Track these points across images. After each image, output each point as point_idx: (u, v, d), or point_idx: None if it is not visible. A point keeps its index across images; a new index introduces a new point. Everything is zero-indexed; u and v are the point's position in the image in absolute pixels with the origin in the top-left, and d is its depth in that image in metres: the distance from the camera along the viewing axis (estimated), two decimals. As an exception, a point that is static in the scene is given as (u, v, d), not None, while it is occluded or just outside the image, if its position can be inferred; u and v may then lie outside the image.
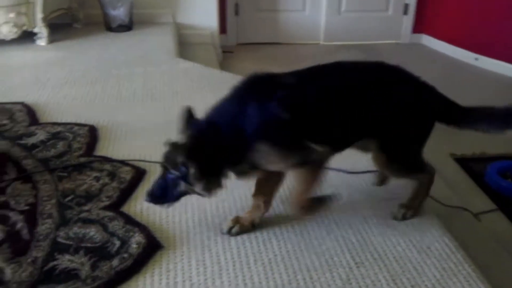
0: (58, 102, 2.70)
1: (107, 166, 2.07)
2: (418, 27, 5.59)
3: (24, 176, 1.98)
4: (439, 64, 4.97)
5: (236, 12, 5.21)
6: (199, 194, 1.58)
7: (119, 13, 3.97)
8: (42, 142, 2.25)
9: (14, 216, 1.75)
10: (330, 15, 5.39)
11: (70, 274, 1.51)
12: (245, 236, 1.73)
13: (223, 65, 4.14)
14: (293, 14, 5.41)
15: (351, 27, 5.44)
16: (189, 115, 1.58)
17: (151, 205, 1.82)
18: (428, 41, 5.50)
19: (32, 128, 2.38)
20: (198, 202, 1.89)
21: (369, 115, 1.63)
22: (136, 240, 1.66)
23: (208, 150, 1.52)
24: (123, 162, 2.10)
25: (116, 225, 1.73)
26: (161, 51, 3.61)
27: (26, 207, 1.80)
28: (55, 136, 2.29)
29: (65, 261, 1.56)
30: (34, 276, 1.50)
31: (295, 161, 1.58)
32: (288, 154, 1.57)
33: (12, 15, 3.41)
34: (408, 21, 5.60)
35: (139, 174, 2.04)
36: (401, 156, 1.74)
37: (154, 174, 2.02)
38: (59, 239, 1.65)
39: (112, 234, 1.68)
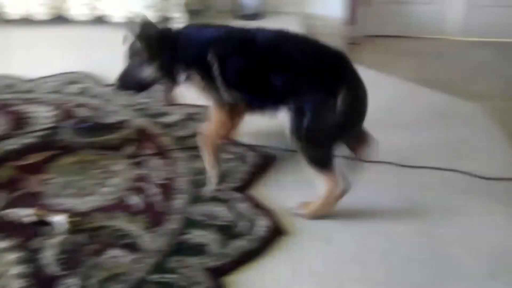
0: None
1: (238, 149, 2.14)
2: None
3: (162, 152, 2.12)
4: None
5: (365, 3, 5.09)
6: (160, 83, 1.97)
7: (250, 1, 4.05)
8: (178, 121, 2.38)
9: (153, 189, 1.88)
10: (468, 9, 5.08)
11: (201, 249, 1.59)
12: (368, 232, 1.71)
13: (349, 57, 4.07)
14: (426, 7, 5.16)
15: (490, 22, 5.08)
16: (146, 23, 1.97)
17: (277, 192, 1.89)
18: None
19: (170, 107, 2.52)
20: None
21: (277, 77, 1.75)
22: (263, 223, 1.71)
23: (163, 48, 1.87)
24: (253, 147, 2.16)
25: (244, 207, 1.79)
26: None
27: (163, 181, 1.93)
28: (191, 117, 2.41)
29: (197, 235, 1.65)
30: (168, 246, 1.61)
31: (212, 97, 1.90)
32: (207, 87, 1.88)
33: None
34: (558, 19, 5.11)
35: (268, 159, 2.09)
36: (307, 133, 1.71)
37: (283, 162, 2.08)
38: (192, 215, 1.75)
39: (240, 215, 1.74)
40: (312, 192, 1.89)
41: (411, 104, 2.65)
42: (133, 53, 1.92)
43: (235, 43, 1.84)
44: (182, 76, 1.90)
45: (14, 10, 3.65)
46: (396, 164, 2.06)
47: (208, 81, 1.85)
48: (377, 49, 4.70)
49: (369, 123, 1.79)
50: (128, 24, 1.94)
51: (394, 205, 1.81)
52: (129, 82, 1.98)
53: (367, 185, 1.86)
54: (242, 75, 1.82)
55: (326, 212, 1.77)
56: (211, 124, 1.96)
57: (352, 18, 4.79)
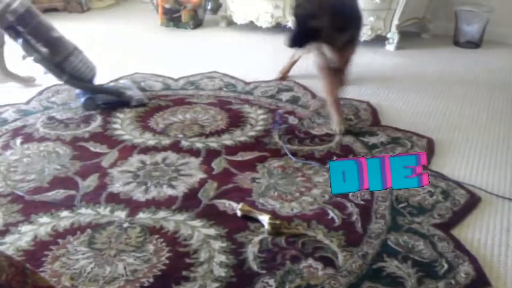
0: (399, 107, 2.77)
1: (442, 184, 2.04)
2: None
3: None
4: None
5: None
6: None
7: (471, 29, 3.83)
8: (382, 143, 2.35)
9: (351, 208, 1.89)
10: None
11: (396, 281, 1.55)
12: None
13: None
14: None
15: None
16: None
17: (482, 238, 1.76)
18: None
19: (374, 128, 2.51)
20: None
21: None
22: (465, 269, 1.60)
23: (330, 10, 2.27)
24: (459, 184, 2.04)
25: (445, 247, 1.69)
26: (507, 74, 3.36)
27: (362, 202, 1.92)
28: (395, 141, 2.37)
29: (392, 266, 1.61)
30: (363, 270, 1.60)
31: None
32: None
33: (371, 18, 3.64)
34: None
35: (474, 200, 1.96)
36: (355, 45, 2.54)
37: (488, 205, 1.93)
38: (389, 243, 1.71)
39: (441, 255, 1.66)
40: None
41: None
42: (303, 11, 2.29)
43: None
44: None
45: (241, 15, 3.99)
46: None
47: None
48: None
49: None
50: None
51: None
52: (298, 39, 2.36)
53: None
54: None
55: None
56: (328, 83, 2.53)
57: None
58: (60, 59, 2.55)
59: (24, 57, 2.52)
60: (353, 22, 2.46)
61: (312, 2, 2.28)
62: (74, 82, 2.63)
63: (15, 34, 2.47)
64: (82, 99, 2.65)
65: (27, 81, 2.95)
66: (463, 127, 2.58)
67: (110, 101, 2.69)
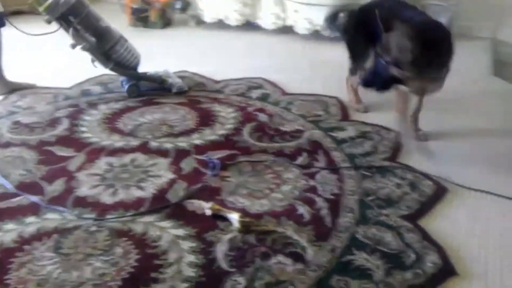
0: (368, 102, 2.78)
1: (409, 176, 2.07)
2: None
3: (332, 167, 2.12)
4: None
5: None
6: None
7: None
8: (351, 138, 2.37)
9: (320, 202, 1.90)
10: None
11: (365, 273, 1.56)
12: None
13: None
14: None
15: None
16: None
17: (449, 228, 1.79)
18: None
19: (344, 123, 2.52)
20: (501, 240, 1.74)
21: None
22: (432, 259, 1.62)
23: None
24: (426, 176, 2.07)
25: (413, 238, 1.72)
26: (475, 68, 3.41)
27: (331, 197, 1.93)
28: (363, 135, 2.39)
29: (361, 258, 1.62)
30: (332, 263, 1.61)
31: None
32: None
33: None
34: None
35: (441, 191, 1.98)
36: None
37: (456, 196, 1.96)
38: (358, 236, 1.73)
39: (408, 246, 1.68)
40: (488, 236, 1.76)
41: None
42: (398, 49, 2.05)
43: None
44: None
45: (210, 14, 3.97)
46: None
47: None
48: None
49: None
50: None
51: None
52: (377, 81, 2.19)
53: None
54: None
55: None
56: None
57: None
58: (107, 47, 2.68)
59: (73, 46, 2.61)
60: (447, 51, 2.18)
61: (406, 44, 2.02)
62: (119, 69, 2.77)
63: (66, 24, 2.56)
64: (126, 86, 2.77)
65: (31, 88, 2.93)
66: (430, 119, 2.60)
67: (153, 88, 2.84)
